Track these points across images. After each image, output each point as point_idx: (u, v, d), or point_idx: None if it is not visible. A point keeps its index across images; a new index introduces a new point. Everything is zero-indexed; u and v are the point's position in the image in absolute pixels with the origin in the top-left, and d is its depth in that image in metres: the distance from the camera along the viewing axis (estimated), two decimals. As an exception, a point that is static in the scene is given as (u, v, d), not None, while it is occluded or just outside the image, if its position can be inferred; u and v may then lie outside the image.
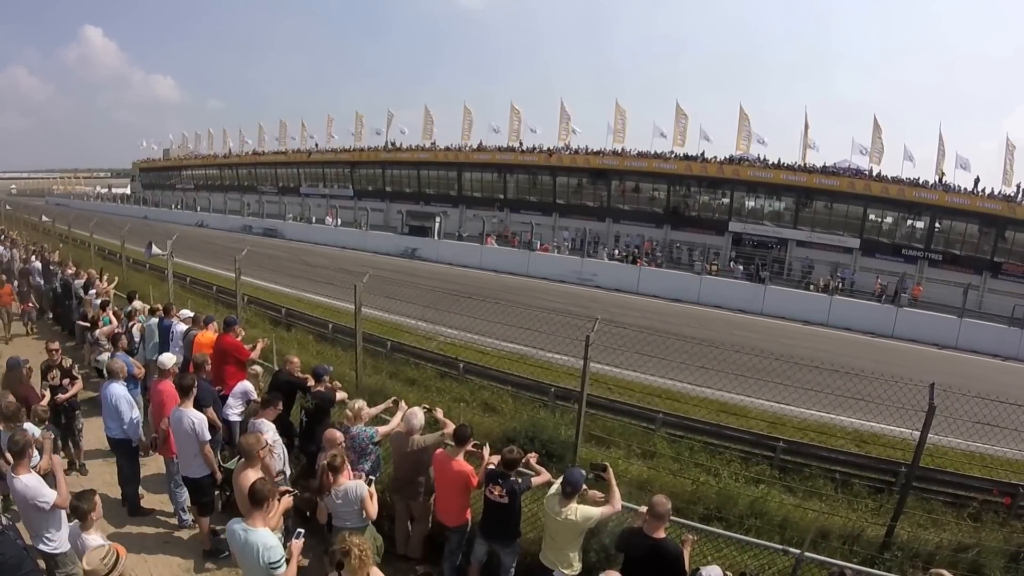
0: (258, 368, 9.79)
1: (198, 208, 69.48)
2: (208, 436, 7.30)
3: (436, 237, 47.12)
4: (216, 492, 7.83)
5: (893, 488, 10.63)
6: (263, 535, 4.96)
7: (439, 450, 6.92)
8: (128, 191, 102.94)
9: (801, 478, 11.06)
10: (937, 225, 43.93)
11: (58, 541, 5.73)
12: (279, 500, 5.54)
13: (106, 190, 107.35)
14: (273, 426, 7.29)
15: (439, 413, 7.92)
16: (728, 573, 5.53)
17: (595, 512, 5.93)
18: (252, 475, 5.98)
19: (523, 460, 6.70)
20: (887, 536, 8.46)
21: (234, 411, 9.05)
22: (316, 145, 75.12)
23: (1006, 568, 8.23)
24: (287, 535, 5.52)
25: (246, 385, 9.19)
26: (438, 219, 49.39)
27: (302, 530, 5.04)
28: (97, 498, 5.27)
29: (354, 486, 5.99)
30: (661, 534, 5.35)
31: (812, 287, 38.20)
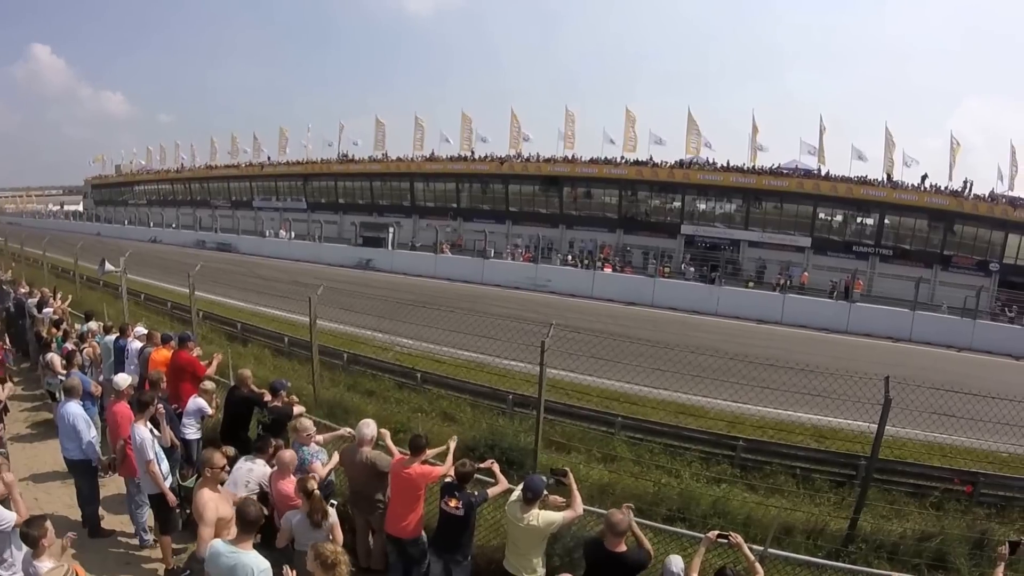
0: (210, 384, 9.50)
1: (151, 224, 68.17)
2: (151, 455, 7.13)
3: (390, 247, 46.86)
4: (177, 510, 7.60)
5: (854, 481, 10.63)
6: (255, 558, 4.78)
7: (396, 457, 6.84)
8: (80, 208, 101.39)
9: (762, 475, 11.05)
10: (886, 221, 44.97)
11: (17, 565, 5.51)
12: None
13: (58, 207, 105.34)
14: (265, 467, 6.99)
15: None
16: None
17: (557, 517, 5.87)
18: (209, 494, 5.88)
19: (483, 468, 6.71)
20: (850, 529, 8.48)
21: (189, 429, 8.88)
22: (268, 158, 74.52)
23: (970, 555, 8.26)
24: None
25: (199, 402, 8.98)
26: (392, 229, 49.20)
27: None
28: (48, 524, 5.04)
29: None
30: (622, 548, 5.30)
31: (751, 284, 39.05)
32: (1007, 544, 5.35)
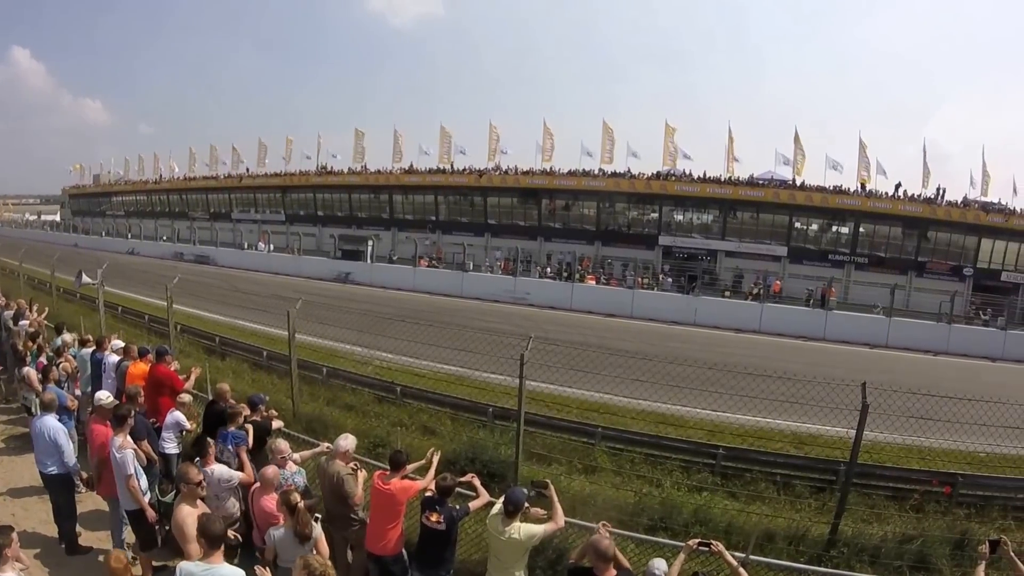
0: (187, 397, 9.38)
1: (129, 235, 67.12)
2: (131, 470, 7.03)
3: (369, 261, 46.63)
4: (156, 526, 7.48)
5: (834, 486, 10.74)
6: (229, 570, 4.74)
7: (377, 472, 6.74)
8: (58, 218, 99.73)
9: (743, 483, 11.12)
10: (861, 229, 45.61)
11: None
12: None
13: (35, 217, 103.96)
14: (225, 468, 7.09)
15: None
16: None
17: (539, 529, 5.82)
18: (188, 509, 5.81)
19: (463, 482, 6.65)
20: (832, 534, 8.54)
21: (169, 444, 8.78)
22: (247, 170, 73.91)
23: (951, 555, 8.34)
24: None
25: (178, 416, 8.86)
26: (370, 242, 48.88)
27: None
28: (15, 535, 5.02)
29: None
30: (612, 573, 5.19)
31: (727, 293, 39.69)
32: (987, 543, 5.39)
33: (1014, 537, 6.55)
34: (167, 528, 7.39)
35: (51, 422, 7.92)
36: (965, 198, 44.52)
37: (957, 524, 9.42)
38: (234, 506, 6.94)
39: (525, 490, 6.09)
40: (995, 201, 44.07)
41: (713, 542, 5.41)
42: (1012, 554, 5.38)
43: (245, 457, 7.44)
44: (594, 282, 40.55)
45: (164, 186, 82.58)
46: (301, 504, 5.72)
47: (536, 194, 54.59)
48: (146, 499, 7.20)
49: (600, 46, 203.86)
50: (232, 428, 7.76)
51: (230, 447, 7.52)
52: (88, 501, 8.77)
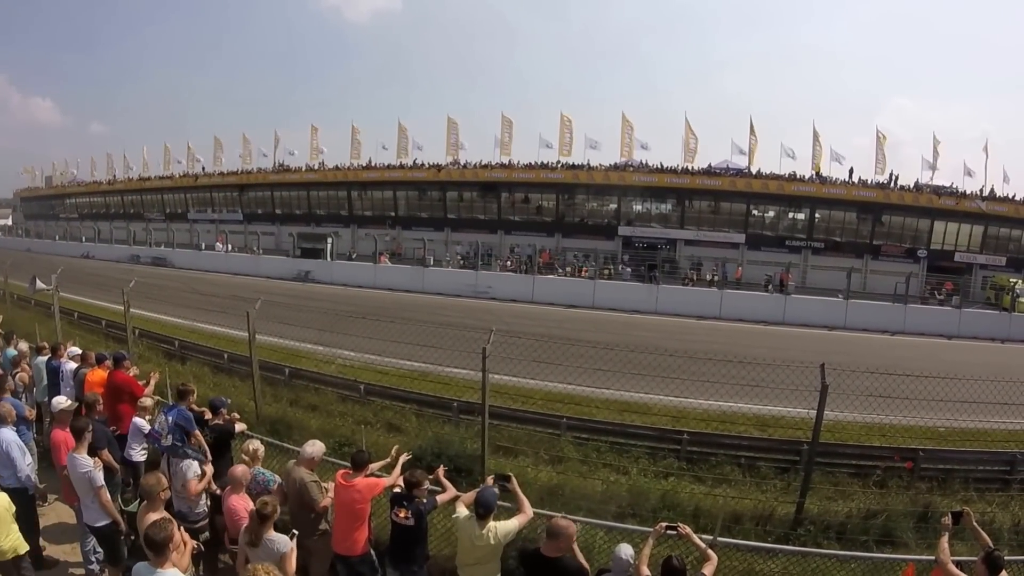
0: (148, 400, 9.17)
1: (83, 238, 65.71)
2: (101, 481, 6.84)
3: (329, 258, 46.21)
4: (122, 538, 7.29)
5: (798, 466, 10.85)
6: (173, 574, 4.64)
7: (339, 472, 6.59)
8: (9, 222, 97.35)
9: (708, 467, 11.20)
10: (817, 215, 46.48)
11: None
12: (184, 545, 5.18)
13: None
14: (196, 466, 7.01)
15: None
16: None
17: (513, 525, 5.76)
18: (154, 517, 5.63)
19: (432, 477, 6.55)
20: (798, 513, 8.67)
21: (135, 450, 8.56)
22: (203, 168, 72.56)
23: (915, 528, 8.50)
24: None
25: (141, 422, 8.61)
26: (330, 240, 48.42)
27: None
28: None
29: (282, 541, 5.56)
30: (559, 548, 5.24)
31: (688, 282, 39.94)
32: (950, 515, 5.51)
33: (976, 508, 6.70)
34: (132, 538, 7.24)
35: (7, 435, 7.63)
36: (917, 182, 45.64)
37: (920, 498, 9.65)
38: (201, 503, 6.84)
39: (496, 490, 6.03)
40: (947, 185, 45.17)
41: (680, 525, 5.41)
42: (975, 524, 5.50)
43: (203, 440, 7.41)
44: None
45: (118, 187, 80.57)
46: (264, 512, 5.59)
47: (495, 187, 54.46)
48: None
49: (559, 37, 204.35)
50: (181, 404, 7.70)
51: (170, 419, 7.43)
52: (51, 514, 8.55)
